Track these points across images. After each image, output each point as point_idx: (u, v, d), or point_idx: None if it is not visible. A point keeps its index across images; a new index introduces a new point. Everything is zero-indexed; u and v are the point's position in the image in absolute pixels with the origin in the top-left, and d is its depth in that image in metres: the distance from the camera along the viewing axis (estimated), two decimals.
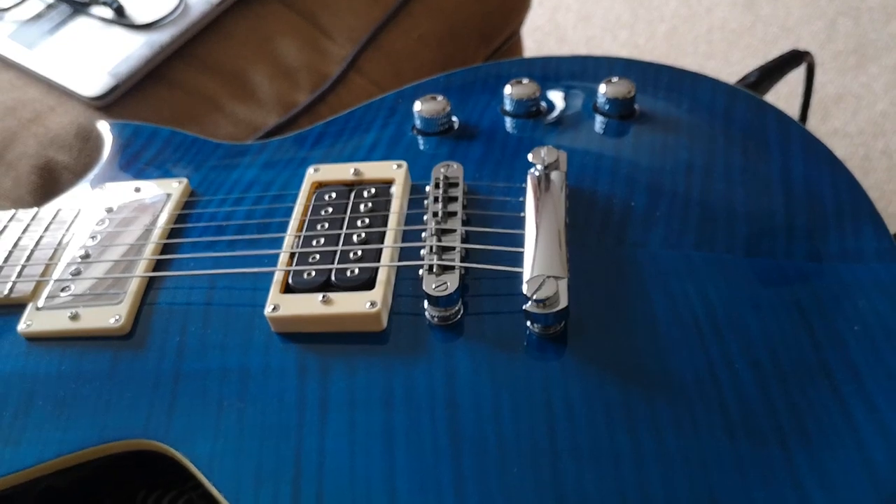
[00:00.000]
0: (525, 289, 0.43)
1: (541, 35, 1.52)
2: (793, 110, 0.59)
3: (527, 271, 0.44)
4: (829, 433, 0.39)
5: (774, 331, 0.43)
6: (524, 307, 0.43)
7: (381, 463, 0.40)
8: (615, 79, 0.56)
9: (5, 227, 0.52)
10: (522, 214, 0.49)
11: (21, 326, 0.47)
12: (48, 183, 0.70)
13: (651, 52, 1.45)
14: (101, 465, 0.44)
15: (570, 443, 0.40)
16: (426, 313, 0.45)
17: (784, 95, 1.05)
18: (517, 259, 0.46)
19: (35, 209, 0.54)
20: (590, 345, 0.43)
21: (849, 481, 0.37)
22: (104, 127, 0.62)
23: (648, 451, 0.39)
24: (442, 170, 0.52)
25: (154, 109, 0.73)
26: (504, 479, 0.39)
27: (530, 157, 0.50)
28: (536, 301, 0.42)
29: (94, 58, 0.73)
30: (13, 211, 0.54)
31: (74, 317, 0.47)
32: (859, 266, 0.45)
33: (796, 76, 0.68)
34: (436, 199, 0.50)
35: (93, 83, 0.73)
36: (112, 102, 0.73)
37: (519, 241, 0.47)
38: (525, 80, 0.57)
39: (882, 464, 0.38)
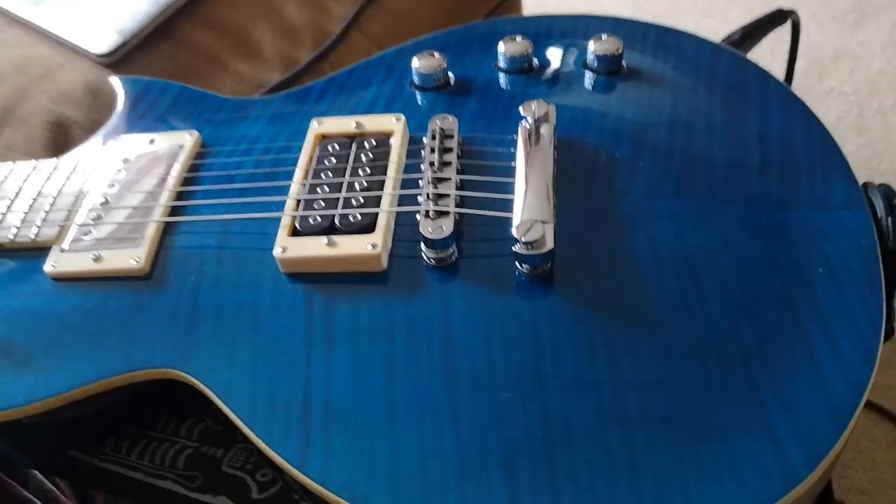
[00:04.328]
0: (514, 232, 0.47)
1: None
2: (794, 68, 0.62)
3: (516, 216, 0.48)
4: (792, 363, 0.43)
5: (746, 271, 0.46)
6: (513, 249, 0.47)
7: (382, 389, 0.44)
8: (604, 36, 0.59)
9: (27, 176, 0.56)
10: (513, 164, 0.52)
11: (48, 267, 0.51)
12: (59, 138, 0.73)
13: (650, 9, 1.46)
14: (122, 395, 0.48)
15: (556, 371, 0.43)
16: (423, 255, 0.49)
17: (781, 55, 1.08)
18: (508, 205, 0.50)
19: (55, 160, 0.57)
20: (574, 283, 0.47)
21: (807, 404, 0.41)
22: (116, 82, 0.65)
23: (626, 377, 0.43)
24: (438, 122, 0.55)
25: (160, 67, 0.75)
26: (495, 402, 0.43)
27: (521, 110, 0.53)
28: (525, 243, 0.46)
29: (100, 15, 0.75)
30: (34, 162, 0.57)
31: (97, 259, 0.50)
32: (828, 213, 0.48)
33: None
34: (432, 150, 0.53)
35: (101, 40, 0.75)
36: (119, 59, 0.76)
37: (510, 188, 0.50)
38: (518, 38, 0.60)
39: (838, 389, 0.42)
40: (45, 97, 0.76)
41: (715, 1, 1.45)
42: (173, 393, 0.48)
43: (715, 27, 1.41)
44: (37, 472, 0.56)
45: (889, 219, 0.46)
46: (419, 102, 0.59)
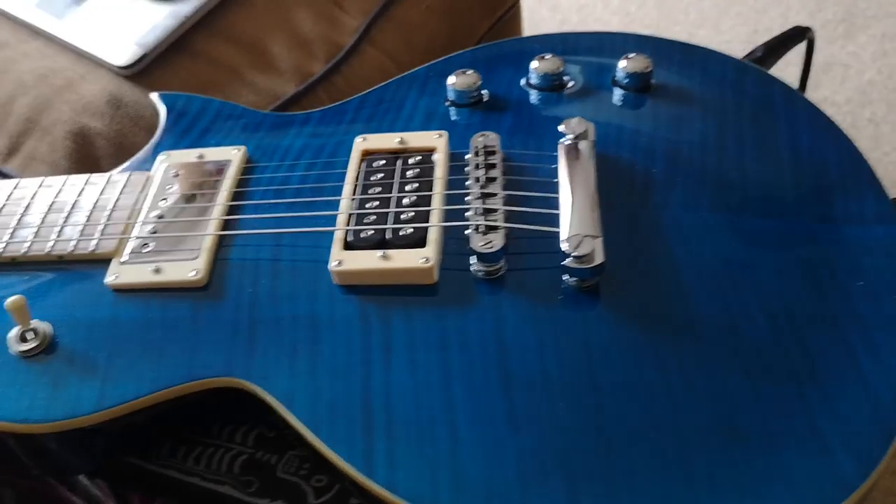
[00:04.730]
0: (565, 247, 0.49)
1: (533, 2, 1.55)
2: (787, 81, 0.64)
3: (563, 231, 0.50)
4: (837, 374, 0.45)
5: (786, 285, 0.49)
6: (563, 263, 0.49)
7: (441, 398, 0.46)
8: (633, 54, 0.61)
9: (82, 190, 0.57)
10: (555, 180, 0.54)
11: (108, 279, 0.52)
12: (82, 148, 0.74)
13: (642, 19, 1.49)
14: (178, 402, 0.50)
15: (608, 380, 0.46)
16: (472, 268, 0.51)
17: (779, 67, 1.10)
18: (554, 220, 0.52)
19: (108, 174, 0.59)
20: (620, 295, 0.49)
21: (855, 414, 0.44)
22: (157, 98, 0.66)
23: (676, 387, 0.45)
24: (480, 139, 0.57)
25: (180, 79, 0.77)
26: (551, 411, 0.45)
27: (561, 127, 0.56)
28: (576, 257, 0.48)
29: (121, 28, 0.77)
30: (87, 175, 0.59)
31: (157, 271, 0.52)
32: (862, 228, 0.51)
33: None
34: (477, 166, 0.55)
35: (121, 53, 0.77)
36: (139, 72, 0.77)
37: (554, 203, 0.53)
38: (549, 56, 0.63)
39: (884, 399, 0.44)
40: (68, 108, 0.77)
41: (707, 11, 1.48)
42: (227, 400, 0.50)
43: (707, 37, 1.43)
44: (82, 477, 0.57)
45: None
46: (455, 118, 0.61)
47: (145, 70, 0.78)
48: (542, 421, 0.45)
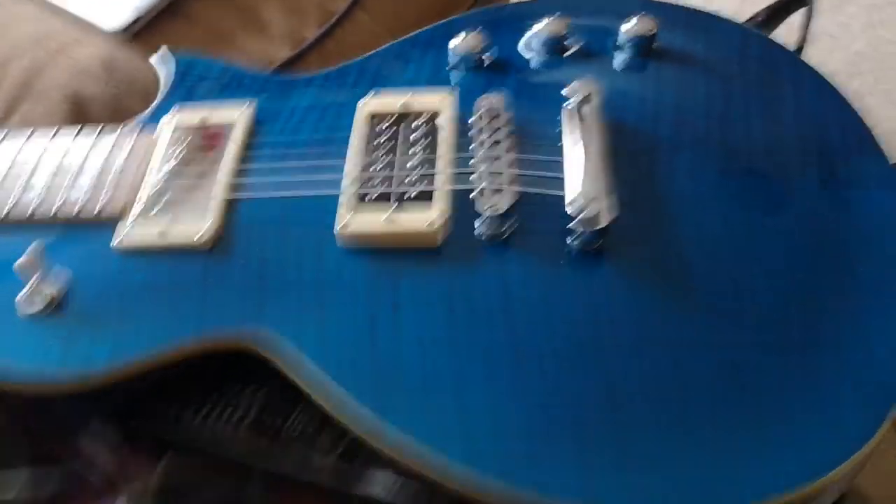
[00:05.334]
0: (570, 209, 0.49)
1: None
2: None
3: (570, 193, 0.50)
4: (845, 334, 0.46)
5: (790, 247, 0.50)
6: (570, 226, 0.49)
7: (448, 354, 0.46)
8: (636, 17, 0.61)
9: (88, 152, 0.57)
10: (560, 144, 0.54)
11: (115, 241, 0.52)
12: (78, 111, 0.74)
13: None
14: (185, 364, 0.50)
15: (613, 339, 0.46)
16: (478, 230, 0.51)
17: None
18: (558, 183, 0.52)
19: (115, 132, 0.59)
20: (625, 257, 0.50)
21: (860, 376, 0.45)
22: (161, 57, 0.66)
23: (682, 347, 0.46)
24: (485, 101, 0.57)
25: (173, 42, 0.76)
26: (557, 369, 0.45)
27: (567, 90, 0.56)
28: (582, 220, 0.49)
29: None
30: (93, 136, 0.59)
31: (163, 233, 0.52)
32: (864, 192, 0.52)
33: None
34: (482, 129, 0.55)
35: (115, 16, 0.76)
36: (133, 35, 0.77)
37: (559, 166, 0.53)
38: (553, 17, 0.62)
39: (888, 360, 0.45)
40: (62, 72, 0.77)
41: None
42: (233, 362, 0.50)
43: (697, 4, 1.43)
44: (90, 434, 0.58)
45: None
46: (458, 81, 0.61)
47: (139, 34, 0.78)
48: (548, 378, 0.45)
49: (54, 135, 0.59)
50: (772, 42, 0.61)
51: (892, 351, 0.45)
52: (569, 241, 0.50)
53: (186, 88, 0.63)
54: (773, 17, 0.67)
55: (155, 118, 0.61)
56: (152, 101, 0.71)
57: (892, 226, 0.50)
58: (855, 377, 0.45)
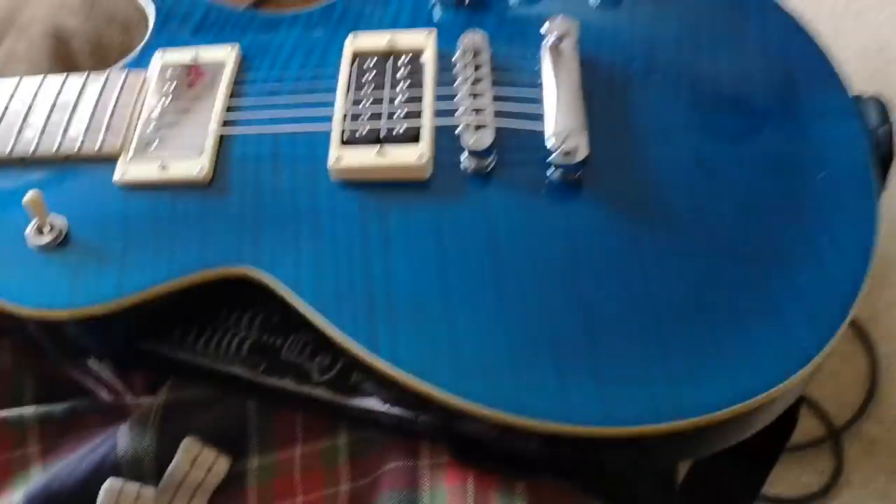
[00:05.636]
0: (551, 142, 0.52)
1: None
2: None
3: (549, 127, 0.53)
4: (799, 256, 0.50)
5: (754, 176, 0.53)
6: (550, 159, 0.52)
7: (437, 281, 0.50)
8: None
9: (81, 91, 0.59)
10: (540, 81, 0.57)
11: (116, 176, 0.55)
12: (59, 46, 0.75)
13: None
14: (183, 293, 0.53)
15: (590, 264, 0.50)
16: (463, 164, 0.54)
17: None
18: (538, 118, 0.55)
19: (105, 73, 0.60)
20: (601, 187, 0.53)
21: (814, 292, 0.49)
22: None
23: (652, 269, 0.50)
24: (467, 39, 0.59)
25: None
26: (538, 291, 0.49)
27: (545, 26, 0.58)
28: (561, 152, 0.52)
29: None
30: (85, 74, 0.60)
31: (163, 167, 0.55)
32: (824, 122, 0.55)
33: None
34: (465, 66, 0.58)
35: None
36: None
37: (539, 102, 0.56)
38: None
39: (841, 279, 0.49)
40: (43, 7, 0.77)
41: None
42: (231, 289, 0.53)
43: None
44: (91, 361, 0.61)
45: (881, 128, 0.53)
46: (441, 18, 0.63)
47: None
48: (531, 303, 0.49)
49: (44, 79, 0.61)
50: None
51: (846, 270, 0.49)
52: (549, 172, 0.53)
53: (174, 26, 0.64)
54: None
55: (144, 58, 0.63)
56: (132, 35, 0.73)
57: (845, 152, 0.54)
58: (810, 292, 0.49)
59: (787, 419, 0.61)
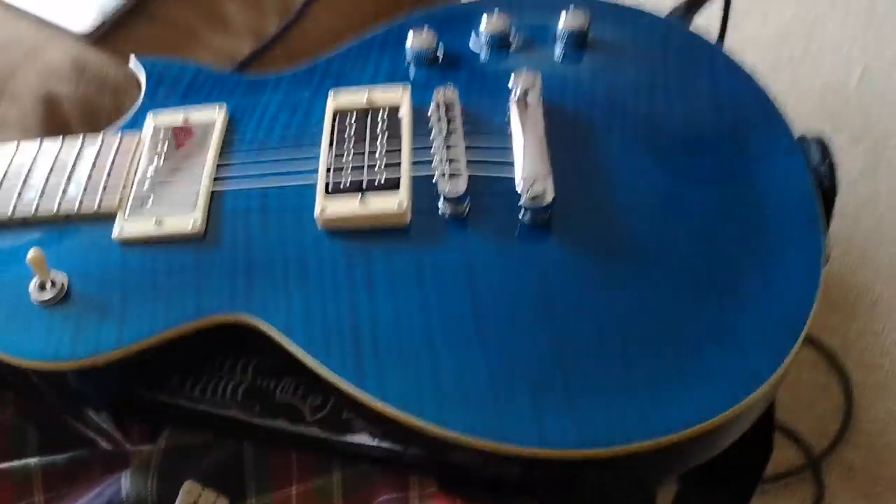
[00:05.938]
0: (520, 188, 0.56)
1: None
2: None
3: (519, 173, 0.58)
4: (752, 285, 0.54)
5: (709, 212, 0.57)
6: (520, 203, 0.56)
7: (420, 322, 0.53)
8: (571, 13, 0.68)
9: (78, 153, 0.63)
10: (509, 131, 0.61)
11: (114, 233, 0.58)
12: (51, 113, 0.78)
13: None
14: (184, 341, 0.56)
15: (562, 301, 0.54)
16: (440, 210, 0.58)
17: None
18: (509, 166, 0.59)
19: (100, 136, 0.64)
20: (569, 227, 0.57)
21: (766, 319, 0.53)
22: (136, 63, 0.71)
23: (619, 303, 0.53)
24: (440, 93, 0.64)
25: (140, 43, 0.80)
26: (515, 330, 0.53)
27: (511, 80, 0.63)
28: (531, 196, 0.56)
29: None
30: (81, 136, 0.64)
31: (158, 223, 0.58)
32: (771, 160, 0.60)
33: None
34: (439, 119, 0.62)
35: (81, 19, 0.80)
36: (100, 37, 0.81)
37: (508, 151, 0.60)
38: (496, 15, 0.69)
39: (791, 304, 0.53)
40: (34, 74, 0.80)
41: None
42: (224, 338, 0.57)
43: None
44: (90, 412, 0.64)
45: (822, 165, 0.58)
46: (415, 76, 0.68)
47: (106, 35, 0.81)
48: (507, 338, 0.53)
49: (41, 142, 0.65)
50: (691, 33, 0.69)
51: (795, 297, 0.53)
52: (520, 215, 0.57)
53: (164, 90, 0.68)
54: (690, 7, 0.75)
55: (137, 120, 0.67)
56: (122, 99, 0.77)
57: (790, 190, 0.58)
58: (763, 319, 0.52)
59: (763, 447, 0.65)
